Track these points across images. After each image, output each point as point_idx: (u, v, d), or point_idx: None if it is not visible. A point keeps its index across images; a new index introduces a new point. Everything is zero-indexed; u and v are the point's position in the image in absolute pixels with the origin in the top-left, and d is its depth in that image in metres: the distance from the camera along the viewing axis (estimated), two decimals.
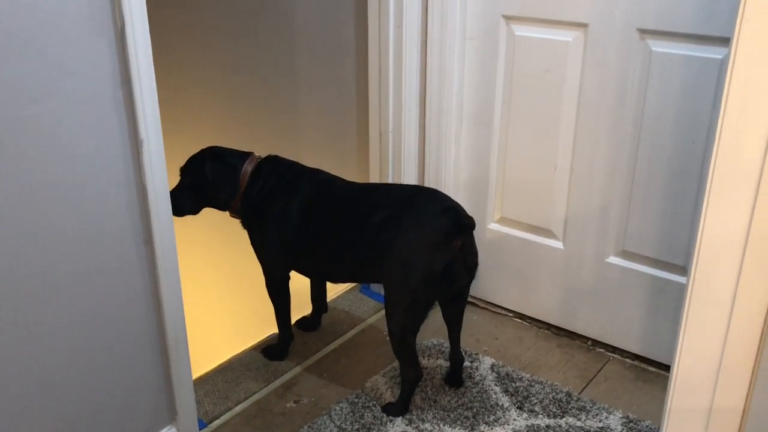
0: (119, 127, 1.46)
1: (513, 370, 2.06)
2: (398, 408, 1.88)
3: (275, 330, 2.20)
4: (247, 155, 1.95)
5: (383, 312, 2.30)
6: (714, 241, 1.38)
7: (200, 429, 1.86)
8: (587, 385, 2.03)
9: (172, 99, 2.79)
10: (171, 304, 1.65)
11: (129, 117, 1.47)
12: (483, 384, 2.00)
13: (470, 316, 2.33)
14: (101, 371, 1.57)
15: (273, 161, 1.97)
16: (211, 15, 2.84)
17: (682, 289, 1.96)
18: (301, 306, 2.29)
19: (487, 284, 2.37)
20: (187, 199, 1.92)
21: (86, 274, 1.48)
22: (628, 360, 2.14)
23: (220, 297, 3.24)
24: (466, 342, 2.12)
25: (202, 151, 1.97)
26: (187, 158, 1.96)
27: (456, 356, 1.98)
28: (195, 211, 1.97)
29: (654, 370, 2.09)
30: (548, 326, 2.30)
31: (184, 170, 1.94)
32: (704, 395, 1.47)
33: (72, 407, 1.53)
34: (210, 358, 2.24)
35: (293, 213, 1.90)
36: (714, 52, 1.76)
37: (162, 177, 1.55)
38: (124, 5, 1.38)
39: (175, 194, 1.80)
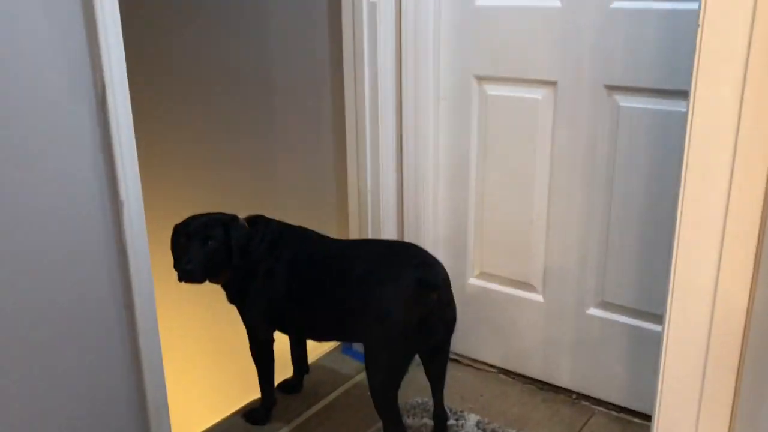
0: (99, 189, 1.48)
1: (499, 427, 2.04)
2: None
3: (257, 395, 2.16)
4: (237, 217, 1.95)
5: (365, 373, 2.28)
6: (685, 290, 1.40)
7: None
8: None
9: (149, 161, 2.81)
10: (151, 370, 1.63)
11: (109, 179, 1.48)
12: None
13: (454, 373, 2.31)
14: None
15: (262, 221, 1.98)
16: (188, 77, 2.89)
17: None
18: (281, 369, 2.26)
19: (469, 340, 2.37)
20: (202, 264, 1.82)
21: (65, 338, 1.46)
22: (613, 412, 2.13)
23: (199, 363, 3.19)
24: (450, 400, 2.10)
25: (206, 218, 1.89)
26: (173, 226, 1.91)
27: (440, 415, 1.96)
28: (203, 279, 1.87)
29: (639, 422, 2.08)
30: (532, 381, 2.29)
31: (192, 237, 1.84)
32: None
33: None
34: (191, 425, 2.19)
35: (282, 270, 1.90)
36: (679, 105, 1.81)
37: (142, 238, 1.56)
38: (105, 70, 1.41)
39: (191, 260, 1.79)
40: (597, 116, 1.95)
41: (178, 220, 1.94)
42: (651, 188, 1.92)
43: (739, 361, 1.33)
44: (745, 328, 1.31)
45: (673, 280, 1.39)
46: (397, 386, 1.79)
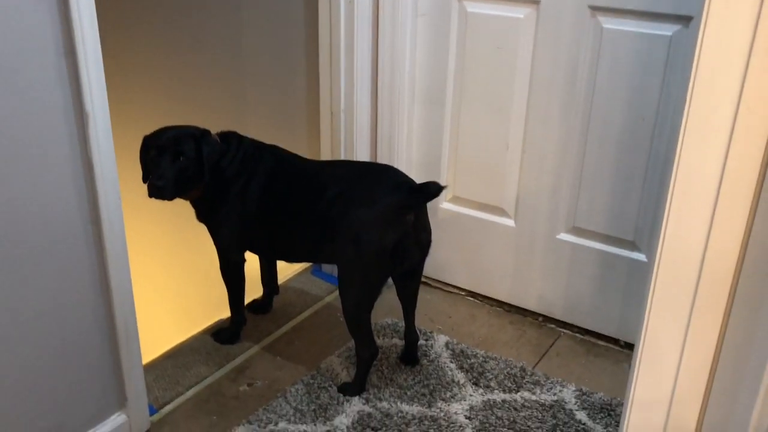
0: (63, 99, 1.39)
1: (467, 347, 2.07)
2: (354, 387, 1.86)
3: (225, 314, 2.14)
4: (209, 132, 1.88)
5: (336, 293, 2.28)
6: (681, 216, 1.34)
7: (150, 415, 1.80)
8: (540, 360, 2.06)
9: (115, 74, 2.68)
10: (120, 287, 1.59)
11: (74, 89, 1.40)
12: (438, 361, 2.00)
13: (423, 295, 2.32)
14: (47, 357, 1.50)
15: (235, 137, 1.91)
16: None
17: (631, 264, 2.02)
18: (251, 289, 2.24)
19: (439, 263, 2.37)
20: (173, 181, 1.76)
21: (29, 255, 1.40)
22: (578, 335, 2.18)
23: (168, 281, 3.15)
24: (419, 321, 2.11)
25: (177, 131, 1.81)
26: (141, 139, 1.84)
27: (411, 335, 1.98)
28: (174, 196, 1.80)
29: (603, 344, 2.13)
30: (500, 304, 2.32)
31: (163, 151, 1.76)
32: (666, 383, 1.48)
33: (16, 392, 1.45)
34: (158, 343, 2.17)
35: (256, 188, 1.86)
36: (664, 29, 1.79)
37: (109, 153, 1.49)
38: None
39: (162, 175, 1.73)
40: (580, 38, 1.91)
41: (146, 132, 1.86)
42: (630, 114, 1.90)
43: (730, 290, 1.34)
44: (740, 256, 1.30)
45: (670, 204, 1.32)
46: (370, 308, 1.79)
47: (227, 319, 2.14)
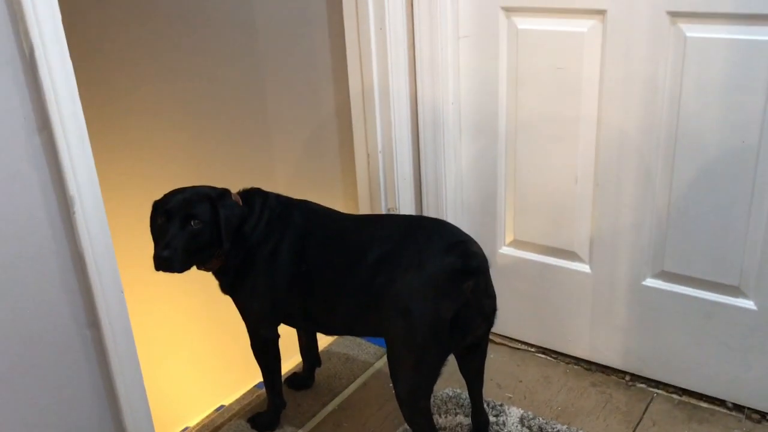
0: (40, 184, 1.14)
1: (546, 422, 1.75)
2: None
3: (261, 379, 1.87)
4: (228, 192, 1.62)
5: (386, 358, 2.00)
6: None
7: None
8: None
9: (112, 134, 2.45)
10: (130, 394, 1.33)
11: (53, 171, 1.15)
12: None
13: (487, 354, 2.02)
14: None
15: (259, 195, 1.65)
16: (160, 26, 2.50)
17: (736, 312, 1.70)
18: (289, 358, 1.97)
19: (502, 316, 2.03)
20: (182, 250, 1.50)
21: (19, 375, 1.16)
22: (675, 396, 1.84)
23: (189, 343, 2.88)
24: (485, 388, 1.81)
25: (189, 192, 1.57)
26: (151, 209, 1.59)
27: (479, 416, 1.68)
28: (184, 268, 1.55)
29: (707, 407, 1.80)
30: (578, 361, 2.00)
31: (172, 216, 1.52)
32: None
33: None
34: (191, 413, 1.93)
35: (285, 254, 1.60)
36: (763, 33, 1.47)
37: (104, 241, 1.23)
38: (30, 24, 1.05)
39: (169, 244, 1.48)
40: (658, 51, 1.60)
41: (157, 197, 1.61)
42: (726, 138, 1.58)
43: None
44: None
45: None
46: (429, 393, 1.50)
47: (264, 399, 1.87)
